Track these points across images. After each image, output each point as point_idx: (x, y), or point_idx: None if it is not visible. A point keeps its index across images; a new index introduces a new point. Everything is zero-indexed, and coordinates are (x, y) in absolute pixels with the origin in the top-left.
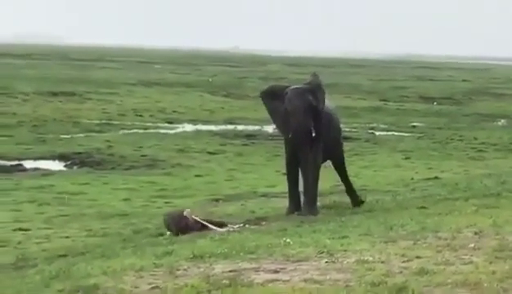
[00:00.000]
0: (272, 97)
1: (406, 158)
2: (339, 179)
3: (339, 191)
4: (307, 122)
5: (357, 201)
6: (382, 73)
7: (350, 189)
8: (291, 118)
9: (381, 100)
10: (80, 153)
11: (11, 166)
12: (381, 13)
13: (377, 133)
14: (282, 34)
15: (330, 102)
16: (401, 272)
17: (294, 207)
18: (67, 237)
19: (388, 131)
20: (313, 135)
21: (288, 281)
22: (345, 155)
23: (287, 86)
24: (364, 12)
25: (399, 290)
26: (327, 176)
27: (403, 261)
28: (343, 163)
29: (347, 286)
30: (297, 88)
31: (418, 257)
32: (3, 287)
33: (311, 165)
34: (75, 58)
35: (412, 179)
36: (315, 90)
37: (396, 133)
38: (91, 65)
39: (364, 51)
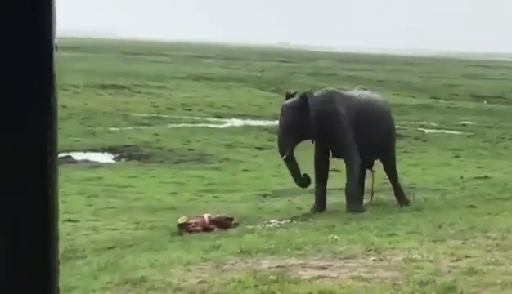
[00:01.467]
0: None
1: (456, 157)
2: (386, 176)
3: (387, 189)
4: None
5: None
6: (433, 70)
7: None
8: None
9: (432, 98)
10: (129, 146)
11: (61, 158)
12: (434, 12)
13: (427, 131)
14: (333, 30)
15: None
16: (449, 271)
17: (317, 205)
18: (115, 229)
19: (438, 129)
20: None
21: (335, 278)
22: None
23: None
24: (417, 10)
25: (447, 290)
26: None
27: (452, 261)
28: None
29: (394, 284)
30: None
31: (467, 257)
32: None
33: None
34: (125, 52)
35: (462, 178)
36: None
37: (446, 131)
38: (141, 59)
39: (416, 48)
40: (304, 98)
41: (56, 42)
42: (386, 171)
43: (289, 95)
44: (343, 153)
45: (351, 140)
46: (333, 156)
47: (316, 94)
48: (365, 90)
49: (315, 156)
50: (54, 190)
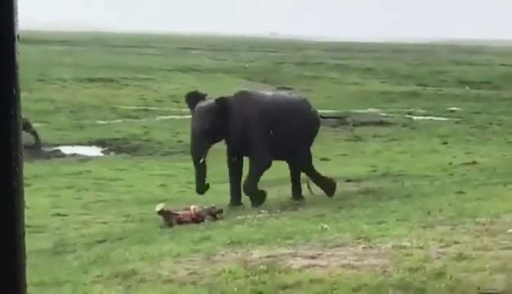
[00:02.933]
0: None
1: (444, 143)
2: (375, 164)
3: (376, 177)
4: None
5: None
6: (420, 57)
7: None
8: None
9: (419, 85)
10: (117, 139)
11: (49, 152)
12: None
13: (415, 118)
14: (320, 20)
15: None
16: (439, 257)
17: (233, 200)
18: (105, 222)
19: (425, 116)
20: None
21: (325, 266)
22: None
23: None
24: None
25: (437, 275)
26: (363, 161)
27: (441, 247)
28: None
29: (384, 271)
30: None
31: (456, 243)
32: (42, 272)
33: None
34: (112, 44)
35: (450, 164)
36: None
37: (434, 118)
38: (127, 51)
39: (402, 35)
40: (222, 102)
41: (17, 33)
42: (304, 171)
43: (198, 95)
44: (250, 153)
45: (260, 141)
46: (243, 155)
47: (231, 96)
48: (286, 89)
49: (228, 155)
50: (19, 196)
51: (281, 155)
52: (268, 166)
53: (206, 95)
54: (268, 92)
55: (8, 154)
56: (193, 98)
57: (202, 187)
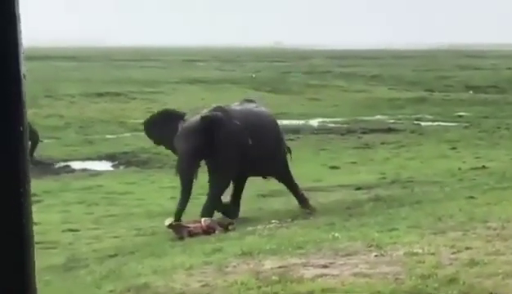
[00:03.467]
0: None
1: (453, 148)
2: (384, 171)
3: (385, 184)
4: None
5: None
6: (426, 63)
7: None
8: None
9: (426, 91)
10: (127, 152)
11: (59, 167)
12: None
13: (422, 124)
14: (324, 28)
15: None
16: (451, 263)
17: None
18: (116, 237)
19: (433, 121)
20: None
21: (337, 275)
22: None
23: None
24: (404, 4)
25: (450, 282)
26: (372, 169)
27: (453, 253)
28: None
29: (396, 279)
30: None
31: (468, 248)
32: (55, 288)
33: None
34: (119, 58)
35: (459, 169)
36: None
37: (442, 123)
38: (133, 65)
39: (406, 41)
40: (209, 120)
41: (24, 71)
42: (283, 183)
43: (176, 114)
44: (216, 171)
45: (228, 161)
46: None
47: (211, 112)
48: (251, 102)
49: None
50: (28, 217)
51: (258, 171)
52: (227, 187)
53: (185, 114)
54: (238, 107)
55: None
56: (168, 118)
57: (183, 205)
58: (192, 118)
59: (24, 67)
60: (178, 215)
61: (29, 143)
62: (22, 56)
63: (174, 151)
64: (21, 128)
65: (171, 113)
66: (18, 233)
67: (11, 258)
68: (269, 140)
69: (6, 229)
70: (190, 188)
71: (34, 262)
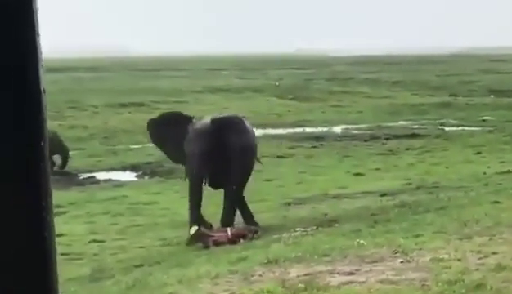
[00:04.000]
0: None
1: (478, 153)
2: (409, 177)
3: (410, 190)
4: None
5: None
6: (449, 68)
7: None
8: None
9: (450, 96)
10: (151, 162)
11: (84, 179)
12: (443, 9)
13: (447, 129)
14: (345, 33)
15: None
16: (477, 269)
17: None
18: (142, 247)
19: (458, 126)
20: None
21: (363, 282)
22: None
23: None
24: (427, 7)
25: (477, 287)
26: (397, 175)
27: (479, 258)
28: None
29: (423, 285)
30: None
31: (494, 253)
32: None
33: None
34: (142, 68)
35: (485, 173)
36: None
37: (466, 128)
38: (157, 75)
39: (429, 46)
40: (219, 123)
41: (44, 84)
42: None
43: (184, 117)
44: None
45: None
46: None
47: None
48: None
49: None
50: (50, 231)
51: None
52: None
53: (193, 117)
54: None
55: (38, 205)
56: (175, 120)
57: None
58: (200, 122)
59: (46, 80)
60: (196, 221)
61: (60, 158)
62: (42, 70)
63: (174, 155)
64: (42, 143)
65: (179, 116)
66: (40, 247)
67: (34, 273)
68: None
69: (29, 244)
70: (201, 193)
71: (57, 276)
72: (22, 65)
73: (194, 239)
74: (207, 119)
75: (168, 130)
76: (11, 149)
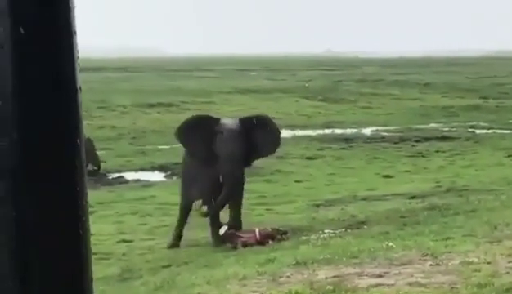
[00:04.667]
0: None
1: (509, 156)
2: (439, 179)
3: (440, 192)
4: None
5: None
6: (479, 70)
7: None
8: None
9: (480, 98)
10: (179, 163)
11: (113, 178)
12: (473, 11)
13: (477, 131)
14: (375, 35)
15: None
16: (507, 272)
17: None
18: (170, 247)
19: (488, 129)
20: None
21: (392, 285)
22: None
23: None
24: (455, 10)
25: (507, 291)
26: (426, 177)
27: (509, 261)
28: None
29: (452, 288)
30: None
31: None
32: None
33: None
34: (171, 69)
35: None
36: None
37: (497, 131)
38: (186, 75)
39: (459, 48)
40: (254, 121)
41: (79, 84)
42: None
43: (211, 118)
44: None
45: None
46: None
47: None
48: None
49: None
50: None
51: None
52: None
53: (219, 119)
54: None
55: (75, 204)
56: (201, 123)
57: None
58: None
59: (80, 79)
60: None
61: (92, 168)
62: (78, 68)
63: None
64: (78, 141)
65: (205, 118)
66: (76, 245)
67: (69, 271)
68: None
69: (64, 243)
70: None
71: (92, 275)
72: (58, 63)
73: (223, 239)
74: (235, 119)
75: (198, 132)
76: (47, 148)
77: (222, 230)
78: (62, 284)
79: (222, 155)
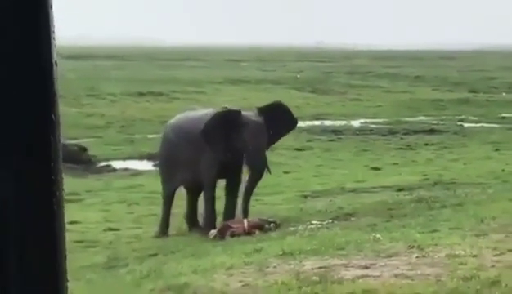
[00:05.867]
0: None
1: (497, 150)
2: (426, 172)
3: (428, 185)
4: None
5: None
6: (470, 64)
7: None
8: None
9: (470, 92)
10: None
11: (101, 167)
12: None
13: (466, 125)
14: (366, 28)
15: None
16: (493, 266)
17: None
18: (157, 236)
19: (477, 122)
20: None
21: (378, 277)
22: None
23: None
24: (447, 4)
25: (492, 284)
26: (414, 170)
27: (495, 255)
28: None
29: (438, 281)
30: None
31: (510, 250)
32: (96, 287)
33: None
34: (161, 58)
35: (503, 171)
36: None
37: (485, 125)
38: (176, 65)
39: (450, 42)
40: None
41: (55, 59)
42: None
43: (233, 113)
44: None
45: None
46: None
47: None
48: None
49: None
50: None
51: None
52: None
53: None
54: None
55: (49, 179)
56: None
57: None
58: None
59: (66, 63)
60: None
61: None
62: (54, 42)
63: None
64: (53, 116)
65: (228, 113)
66: (49, 220)
67: (43, 245)
68: None
69: (38, 218)
70: None
71: (66, 252)
72: (34, 37)
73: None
74: (254, 110)
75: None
76: (21, 123)
77: (211, 235)
78: (35, 259)
79: (249, 145)
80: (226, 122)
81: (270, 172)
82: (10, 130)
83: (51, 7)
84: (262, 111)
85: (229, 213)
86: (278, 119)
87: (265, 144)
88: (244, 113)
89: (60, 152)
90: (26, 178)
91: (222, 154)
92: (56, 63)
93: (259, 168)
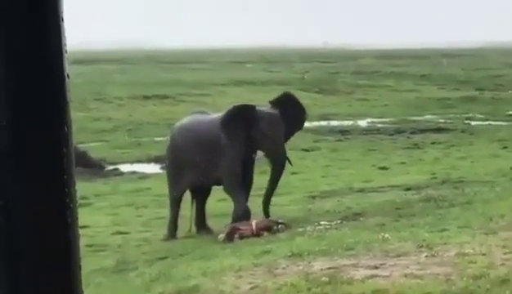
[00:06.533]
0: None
1: (504, 148)
2: (434, 171)
3: (436, 184)
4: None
5: None
6: (475, 62)
7: None
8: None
9: (476, 90)
10: None
11: (108, 170)
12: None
13: (473, 123)
14: (370, 27)
15: None
16: (503, 264)
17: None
18: (166, 239)
19: (484, 120)
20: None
21: (388, 276)
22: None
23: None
24: (452, 2)
25: (502, 282)
26: (422, 169)
27: (505, 253)
28: None
29: (448, 280)
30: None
31: None
32: (105, 290)
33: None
34: (166, 61)
35: (511, 168)
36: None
37: (492, 123)
38: (181, 68)
39: (455, 40)
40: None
41: (67, 71)
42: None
43: (249, 107)
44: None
45: None
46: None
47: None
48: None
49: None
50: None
51: None
52: None
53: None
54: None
55: (62, 192)
56: (245, 111)
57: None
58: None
59: (72, 72)
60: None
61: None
62: (66, 55)
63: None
64: (66, 128)
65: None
66: (64, 233)
67: (57, 257)
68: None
69: (52, 231)
70: None
71: (80, 262)
72: (46, 50)
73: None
74: (267, 104)
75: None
76: (35, 135)
77: (220, 239)
78: (50, 271)
79: (269, 137)
80: (244, 115)
81: (291, 164)
82: (23, 143)
83: (63, 20)
84: (275, 104)
85: (241, 211)
86: (291, 110)
87: (283, 136)
88: (258, 108)
89: (73, 165)
90: (40, 191)
91: (243, 148)
92: (68, 75)
93: (281, 161)
